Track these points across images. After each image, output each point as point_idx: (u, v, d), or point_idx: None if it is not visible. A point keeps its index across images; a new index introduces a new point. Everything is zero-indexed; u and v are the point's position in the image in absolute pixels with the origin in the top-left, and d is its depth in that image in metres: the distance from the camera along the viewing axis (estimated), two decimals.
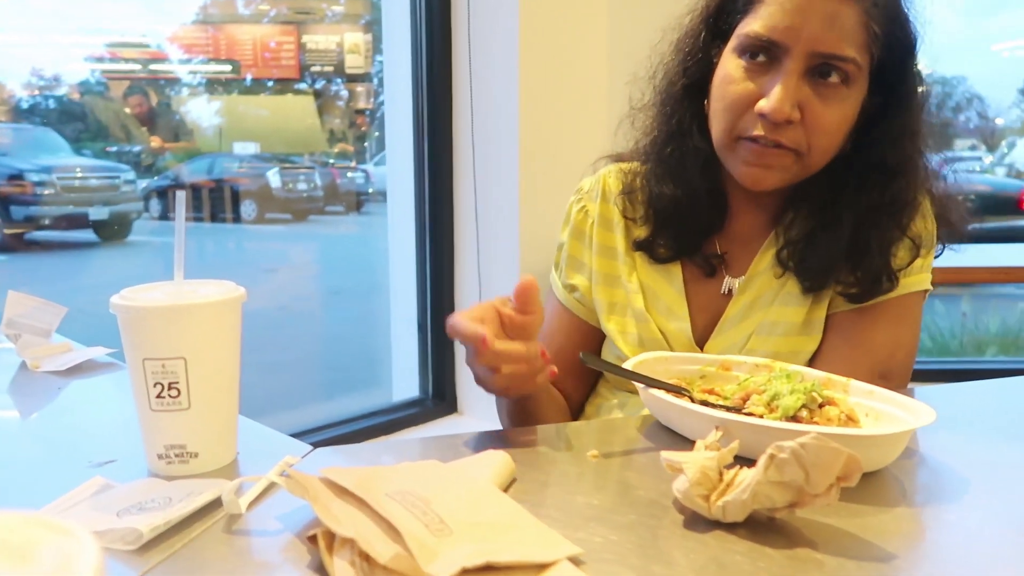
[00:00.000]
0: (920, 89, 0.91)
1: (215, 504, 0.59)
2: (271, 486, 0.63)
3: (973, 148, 6.21)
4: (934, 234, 0.95)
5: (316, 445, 0.73)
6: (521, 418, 0.91)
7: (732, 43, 0.89)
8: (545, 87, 2.53)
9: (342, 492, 0.55)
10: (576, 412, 1.06)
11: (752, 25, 0.85)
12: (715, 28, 0.93)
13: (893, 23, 0.87)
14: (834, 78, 0.84)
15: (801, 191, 0.95)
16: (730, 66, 0.88)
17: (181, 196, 0.66)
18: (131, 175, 4.06)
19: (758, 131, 0.86)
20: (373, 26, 3.82)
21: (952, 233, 0.96)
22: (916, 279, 0.94)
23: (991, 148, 6.02)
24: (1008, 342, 4.23)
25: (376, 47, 3.71)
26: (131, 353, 0.64)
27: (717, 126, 0.91)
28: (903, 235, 0.92)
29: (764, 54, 0.86)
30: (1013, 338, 4.23)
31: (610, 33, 2.58)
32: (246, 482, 0.62)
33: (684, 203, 0.96)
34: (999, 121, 5.95)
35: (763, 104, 0.84)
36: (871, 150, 0.90)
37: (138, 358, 0.63)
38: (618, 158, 1.08)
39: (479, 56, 2.63)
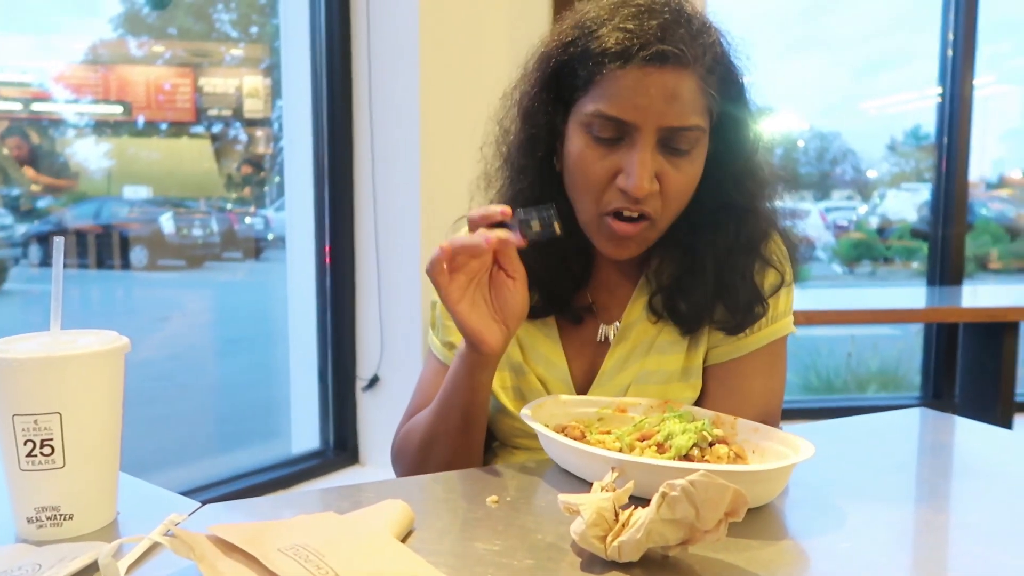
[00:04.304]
0: (754, 135, 0.96)
1: (91, 569, 0.56)
2: (154, 547, 0.59)
3: (850, 198, 6.68)
4: (790, 272, 1.00)
5: (209, 502, 0.70)
6: (474, 409, 0.90)
7: (579, 119, 0.90)
8: (446, 132, 2.56)
9: (231, 549, 0.53)
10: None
11: (599, 105, 0.87)
12: (556, 96, 0.94)
13: (726, 81, 0.92)
14: (683, 146, 0.89)
15: (662, 236, 0.98)
16: (582, 144, 0.90)
17: (59, 242, 0.64)
18: (8, 219, 3.83)
19: (621, 204, 0.89)
20: (273, 70, 3.78)
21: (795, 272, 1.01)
22: (782, 324, 0.98)
23: (865, 198, 6.49)
24: (887, 379, 4.50)
25: (276, 92, 3.66)
26: (0, 408, 0.60)
27: (581, 206, 0.93)
28: (765, 263, 0.97)
29: (614, 131, 0.88)
30: (891, 375, 4.51)
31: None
32: (126, 543, 0.58)
33: (551, 263, 0.97)
34: (871, 173, 6.43)
35: (625, 183, 0.87)
36: (719, 191, 0.95)
37: (7, 413, 0.60)
38: None
39: (380, 102, 2.64)
